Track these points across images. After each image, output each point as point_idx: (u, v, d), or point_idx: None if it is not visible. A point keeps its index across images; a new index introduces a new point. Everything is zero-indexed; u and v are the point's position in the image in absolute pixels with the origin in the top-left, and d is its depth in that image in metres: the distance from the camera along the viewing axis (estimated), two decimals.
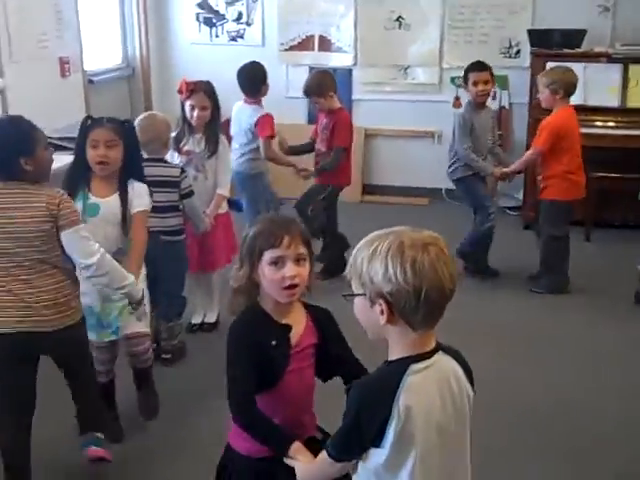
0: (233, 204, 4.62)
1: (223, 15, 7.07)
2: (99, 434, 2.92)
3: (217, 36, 7.13)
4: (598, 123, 5.83)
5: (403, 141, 6.88)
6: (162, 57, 7.19)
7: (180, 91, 4.04)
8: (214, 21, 7.10)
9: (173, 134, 4.02)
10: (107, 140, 2.97)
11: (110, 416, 3.18)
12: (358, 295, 1.60)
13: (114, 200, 3.03)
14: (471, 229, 5.04)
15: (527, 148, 5.35)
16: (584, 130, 5.55)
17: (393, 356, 1.62)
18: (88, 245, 2.70)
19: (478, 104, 4.93)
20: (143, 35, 6.87)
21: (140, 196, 3.09)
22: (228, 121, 4.76)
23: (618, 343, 4.16)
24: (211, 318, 4.29)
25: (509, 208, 6.54)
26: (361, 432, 1.57)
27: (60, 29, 5.59)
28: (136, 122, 3.67)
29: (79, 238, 2.67)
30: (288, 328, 1.96)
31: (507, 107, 6.65)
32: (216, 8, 7.06)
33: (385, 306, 1.54)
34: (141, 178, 3.15)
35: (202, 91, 4.01)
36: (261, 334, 1.93)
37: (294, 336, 1.97)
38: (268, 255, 1.91)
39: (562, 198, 4.66)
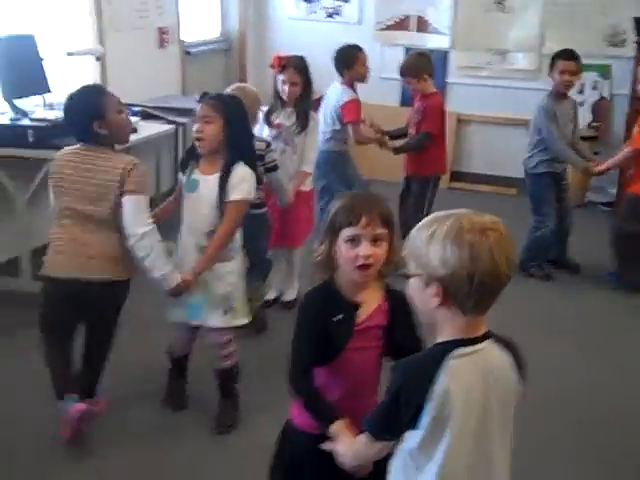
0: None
1: None
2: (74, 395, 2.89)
3: (314, 12, 7.12)
4: None
5: (496, 128, 6.74)
6: (259, 31, 7.23)
7: (272, 66, 4.07)
8: None
9: (265, 108, 4.05)
10: (203, 116, 2.93)
11: (178, 384, 3.26)
12: (414, 275, 1.59)
13: (214, 179, 2.92)
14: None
15: (625, 141, 5.16)
16: None
17: (441, 339, 1.60)
18: (141, 216, 2.80)
19: (560, 94, 4.75)
20: (242, 8, 6.93)
21: (240, 183, 2.92)
22: (320, 99, 4.76)
23: None
24: (290, 295, 4.31)
25: (602, 203, 6.35)
26: (399, 412, 1.57)
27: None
28: (226, 93, 3.70)
29: (136, 206, 2.79)
30: (356, 305, 1.96)
31: (607, 98, 6.42)
32: None
33: (439, 289, 1.53)
34: (251, 159, 3.03)
35: (293, 67, 4.01)
36: (328, 308, 1.96)
37: (362, 314, 1.97)
38: (345, 232, 1.91)
39: None
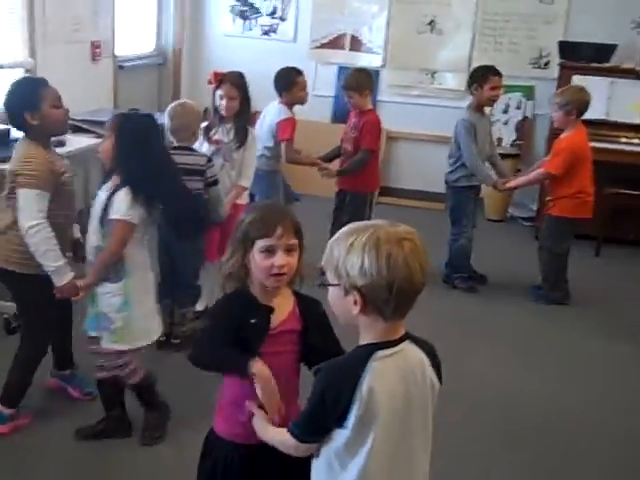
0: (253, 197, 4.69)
1: (258, 9, 7.16)
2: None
3: (250, 29, 7.22)
4: (620, 139, 5.84)
5: (425, 145, 6.93)
6: (194, 47, 7.30)
7: (210, 81, 4.13)
8: (248, 14, 7.19)
9: (204, 124, 4.10)
10: (105, 131, 3.04)
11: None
12: (333, 285, 1.67)
13: (103, 196, 2.88)
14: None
15: None
16: (604, 145, 5.58)
17: (363, 342, 1.68)
18: (29, 211, 2.81)
19: (480, 109, 4.91)
20: (178, 24, 6.98)
21: (117, 203, 2.81)
22: (256, 114, 4.83)
23: (608, 357, 4.19)
24: None
25: (523, 218, 6.57)
26: (325, 413, 1.64)
27: (95, 13, 5.71)
28: (168, 109, 3.76)
29: (23, 200, 2.82)
30: (270, 309, 2.00)
31: (531, 117, 6.66)
32: (251, 1, 7.15)
33: (359, 297, 1.61)
34: (137, 182, 2.84)
35: (230, 82, 4.08)
36: (243, 311, 2.00)
37: (275, 319, 2.01)
38: (260, 243, 1.96)
39: (569, 215, 4.64)
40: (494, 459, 3.17)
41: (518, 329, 4.47)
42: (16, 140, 3.98)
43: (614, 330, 4.50)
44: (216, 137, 4.11)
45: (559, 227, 4.70)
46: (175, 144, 3.73)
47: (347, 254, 1.61)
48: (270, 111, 4.76)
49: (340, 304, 1.67)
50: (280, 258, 1.95)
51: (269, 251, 1.96)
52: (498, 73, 4.85)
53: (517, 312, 4.69)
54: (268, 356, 1.98)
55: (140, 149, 2.84)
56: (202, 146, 4.08)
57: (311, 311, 2.07)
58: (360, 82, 4.77)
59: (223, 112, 4.08)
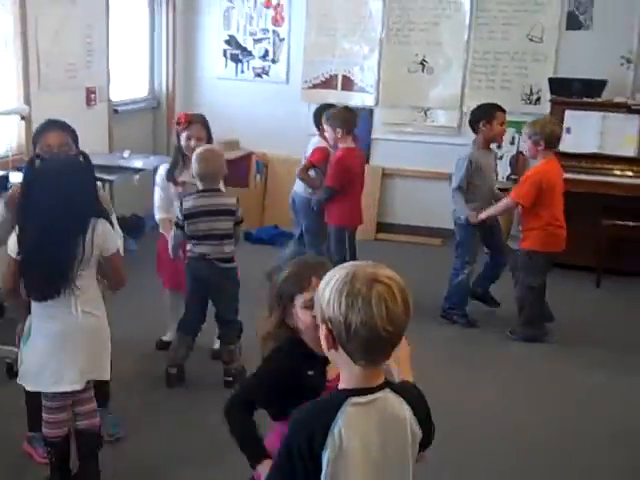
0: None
1: (250, 52, 7.22)
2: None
3: (242, 72, 7.27)
4: (615, 172, 5.86)
5: (419, 182, 6.94)
6: (188, 90, 7.34)
7: (179, 122, 4.14)
8: (240, 57, 7.25)
9: (166, 165, 4.17)
10: None
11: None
12: (314, 316, 1.68)
13: None
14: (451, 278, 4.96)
15: None
16: (598, 178, 5.61)
17: (340, 386, 1.64)
18: None
19: (486, 145, 4.93)
20: (171, 68, 7.05)
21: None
22: (249, 155, 4.90)
23: (611, 391, 4.13)
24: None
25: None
26: (293, 463, 1.57)
27: (90, 59, 5.76)
28: (199, 154, 3.79)
29: None
30: (325, 360, 1.88)
31: (524, 152, 6.69)
32: (244, 45, 7.22)
33: (326, 331, 1.58)
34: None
35: (199, 123, 4.13)
36: (298, 363, 1.94)
37: (331, 369, 1.92)
38: (299, 300, 1.92)
39: (540, 249, 4.60)
40: None
41: (521, 362, 4.44)
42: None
43: (617, 364, 4.45)
44: (181, 179, 4.11)
45: (531, 261, 4.65)
46: (202, 187, 3.81)
47: (325, 287, 1.58)
48: (312, 142, 5.15)
49: (316, 335, 1.68)
50: None
51: (311, 306, 1.85)
52: (503, 109, 4.91)
53: (497, 348, 4.63)
54: None
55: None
56: (165, 188, 4.14)
57: None
58: (332, 117, 4.85)
59: (187, 152, 4.05)
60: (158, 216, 4.22)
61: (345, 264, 1.63)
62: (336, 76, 7.06)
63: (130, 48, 6.70)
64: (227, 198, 3.90)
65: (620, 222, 5.63)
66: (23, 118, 4.89)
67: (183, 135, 4.11)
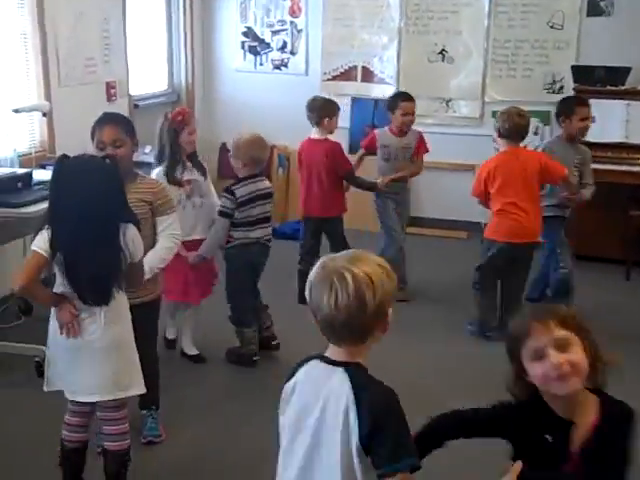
0: None
1: (268, 44, 7.17)
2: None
3: (261, 64, 7.22)
4: None
5: (442, 174, 6.86)
6: (207, 83, 7.32)
7: (181, 120, 3.92)
8: (259, 49, 7.20)
9: (162, 168, 3.89)
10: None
11: None
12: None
13: None
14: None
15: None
16: (625, 168, 5.52)
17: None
18: None
19: (570, 139, 4.82)
20: (189, 62, 7.02)
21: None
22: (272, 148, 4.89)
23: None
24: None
25: None
26: None
27: (108, 54, 5.74)
28: (247, 139, 3.90)
29: None
30: (567, 423, 1.73)
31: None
32: (262, 37, 7.17)
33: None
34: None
35: (193, 117, 4.08)
36: (536, 426, 1.78)
37: (577, 434, 1.73)
38: (525, 352, 1.75)
39: (490, 237, 4.50)
40: None
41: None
42: (38, 183, 4.00)
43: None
44: (187, 177, 3.94)
45: (482, 245, 4.61)
46: (246, 173, 3.93)
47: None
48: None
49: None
50: (553, 357, 1.70)
51: (540, 355, 1.72)
52: (586, 103, 4.80)
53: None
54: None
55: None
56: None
57: (610, 427, 1.72)
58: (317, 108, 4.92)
59: (189, 148, 3.95)
60: None
61: (325, 256, 1.73)
62: (355, 67, 7.00)
63: (148, 42, 6.67)
64: (267, 182, 4.10)
65: None
66: (45, 115, 4.88)
67: (185, 131, 3.91)
